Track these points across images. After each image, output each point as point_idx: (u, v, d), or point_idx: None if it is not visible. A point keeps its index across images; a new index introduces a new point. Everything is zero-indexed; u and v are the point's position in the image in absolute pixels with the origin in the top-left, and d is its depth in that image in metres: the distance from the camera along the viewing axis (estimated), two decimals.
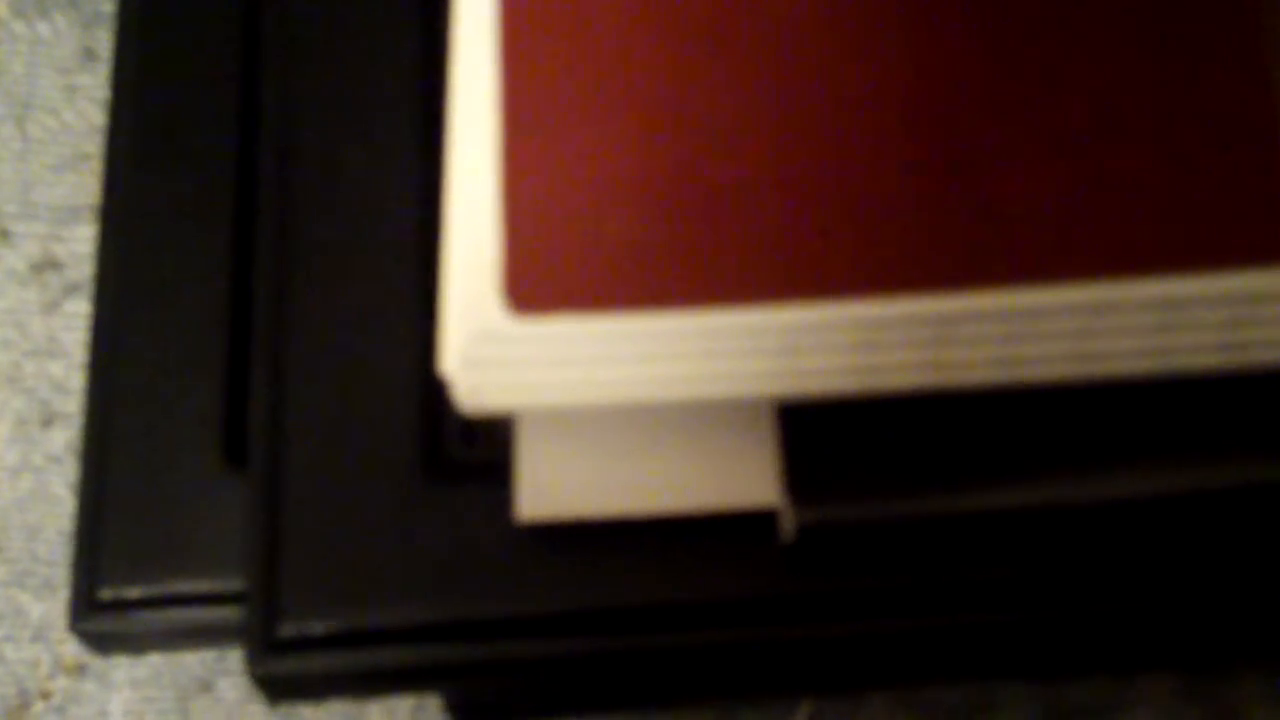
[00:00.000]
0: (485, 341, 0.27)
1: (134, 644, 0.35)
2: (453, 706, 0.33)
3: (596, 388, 0.28)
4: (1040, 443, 0.29)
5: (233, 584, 0.33)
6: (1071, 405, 0.28)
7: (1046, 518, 0.29)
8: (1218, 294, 0.27)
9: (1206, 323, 0.27)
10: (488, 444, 0.31)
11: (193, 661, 0.38)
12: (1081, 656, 0.34)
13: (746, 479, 0.29)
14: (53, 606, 0.39)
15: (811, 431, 0.29)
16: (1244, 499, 0.29)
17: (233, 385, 0.34)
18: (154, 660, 0.39)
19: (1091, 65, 0.28)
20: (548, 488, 0.29)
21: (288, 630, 0.30)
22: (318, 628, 0.30)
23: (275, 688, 0.30)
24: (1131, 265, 0.27)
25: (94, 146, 0.42)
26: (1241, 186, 0.27)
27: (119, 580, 0.33)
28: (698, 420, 0.29)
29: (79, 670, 0.39)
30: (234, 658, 0.39)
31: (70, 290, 0.41)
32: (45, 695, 0.38)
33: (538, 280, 0.27)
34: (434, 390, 0.31)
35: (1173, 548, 0.29)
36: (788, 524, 0.29)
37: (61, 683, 0.38)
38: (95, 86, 0.42)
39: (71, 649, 0.39)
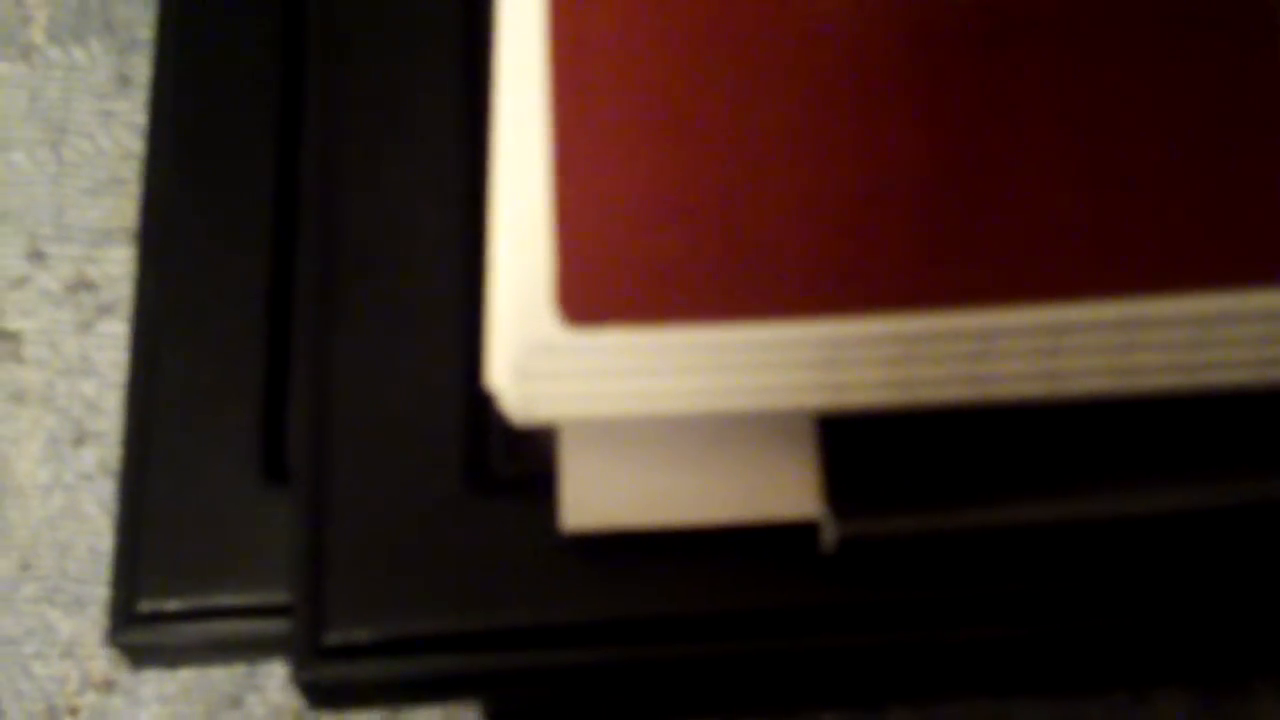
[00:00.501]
0: (539, 353, 0.28)
1: (170, 657, 0.35)
2: (492, 716, 0.33)
3: (645, 399, 0.28)
4: (1073, 458, 0.29)
5: (269, 597, 0.33)
6: (1103, 421, 0.29)
7: (1079, 531, 0.29)
8: (1252, 310, 0.28)
9: (1241, 339, 0.28)
10: (530, 458, 0.31)
11: (221, 678, 0.39)
12: (1104, 671, 0.35)
13: (788, 491, 0.30)
14: (82, 623, 0.39)
15: (852, 444, 0.29)
16: (1266, 515, 0.30)
17: (270, 403, 0.35)
18: (183, 676, 0.39)
19: (1125, 85, 0.29)
20: (591, 499, 0.30)
21: (333, 638, 0.30)
22: (363, 635, 0.30)
23: (320, 694, 0.30)
24: (1167, 282, 0.28)
25: (128, 171, 0.42)
26: (1276, 205, 0.28)
27: (157, 593, 0.34)
28: (739, 433, 0.30)
29: (107, 686, 0.39)
30: (263, 674, 0.39)
31: (104, 311, 0.41)
32: (73, 711, 0.39)
33: (590, 293, 0.28)
34: (477, 405, 0.31)
35: (1195, 563, 0.30)
36: (828, 536, 0.29)
37: (90, 699, 0.39)
38: (130, 112, 0.43)
39: (100, 665, 0.39)
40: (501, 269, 0.29)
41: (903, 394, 0.28)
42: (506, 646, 0.30)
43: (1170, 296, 0.28)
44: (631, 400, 0.28)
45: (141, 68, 0.43)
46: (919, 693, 0.35)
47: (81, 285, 0.42)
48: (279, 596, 0.33)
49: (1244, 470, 0.29)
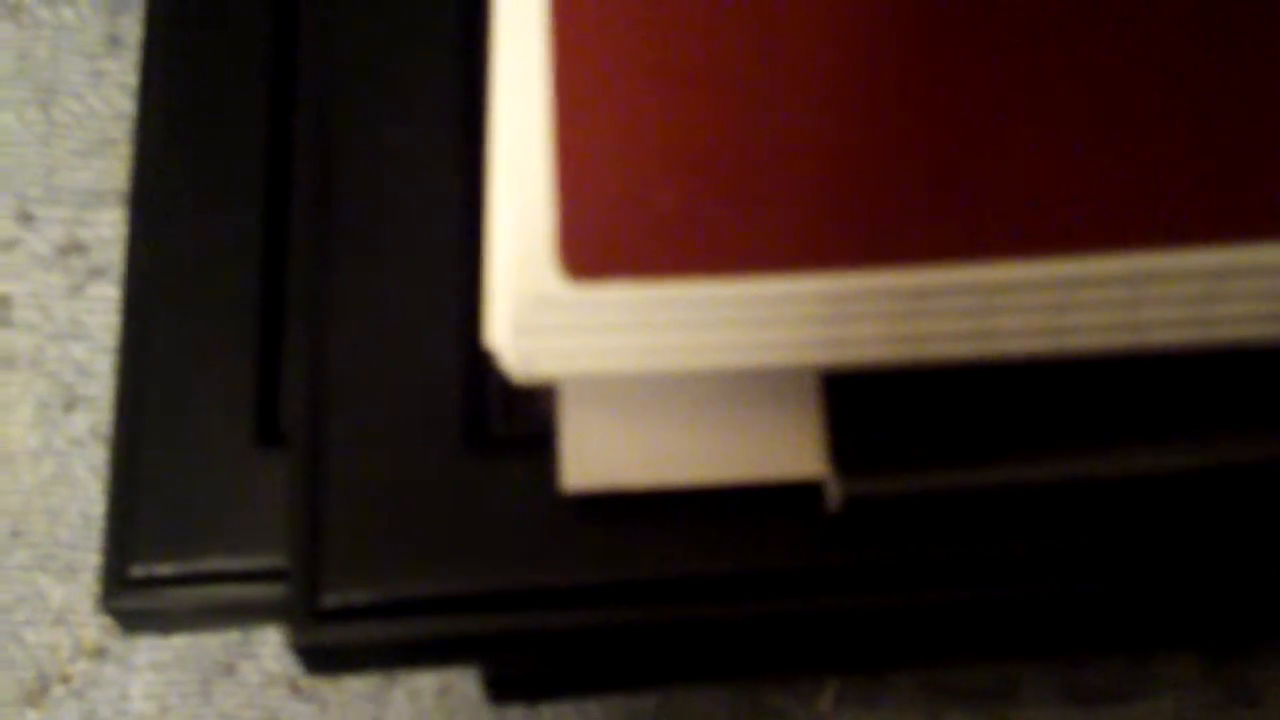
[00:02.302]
0: (540, 308, 0.27)
1: (163, 622, 0.35)
2: (491, 681, 0.33)
3: (648, 355, 0.28)
4: (1081, 416, 0.29)
5: (264, 562, 0.33)
6: (1112, 378, 0.29)
7: (1085, 490, 0.29)
8: (1265, 264, 0.27)
9: (1253, 293, 0.27)
10: (528, 419, 0.31)
11: (215, 645, 0.38)
12: (1107, 634, 0.34)
13: (792, 450, 0.29)
14: (74, 590, 0.39)
15: (857, 402, 0.29)
16: (1274, 475, 0.29)
17: (265, 365, 0.34)
18: (176, 643, 0.38)
19: (1135, 33, 0.28)
20: (592, 458, 0.29)
21: (330, 600, 0.30)
22: (361, 598, 0.30)
23: (316, 658, 0.30)
24: (1178, 235, 0.27)
25: (119, 132, 0.42)
26: None
27: (150, 558, 0.33)
28: (743, 390, 0.29)
29: (99, 653, 0.39)
30: (257, 641, 0.39)
31: (95, 274, 0.41)
32: (65, 679, 0.38)
33: (592, 247, 0.27)
34: (475, 364, 0.31)
35: (1204, 524, 0.30)
36: (833, 495, 0.29)
37: (82, 666, 0.38)
38: (120, 72, 0.42)
39: (92, 633, 0.39)
40: (501, 223, 0.28)
41: (908, 350, 0.28)
42: (506, 609, 0.30)
43: (1181, 250, 0.27)
44: (634, 356, 0.28)
45: (132, 28, 0.43)
46: (922, 655, 0.35)
47: (72, 248, 0.41)
48: (274, 560, 0.32)
49: (1253, 429, 0.29)
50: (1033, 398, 0.29)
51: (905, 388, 0.29)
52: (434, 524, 0.30)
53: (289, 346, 0.33)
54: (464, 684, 0.37)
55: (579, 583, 0.30)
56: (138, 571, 0.33)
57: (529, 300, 0.27)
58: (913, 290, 0.27)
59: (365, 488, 0.30)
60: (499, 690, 0.33)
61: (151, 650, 0.38)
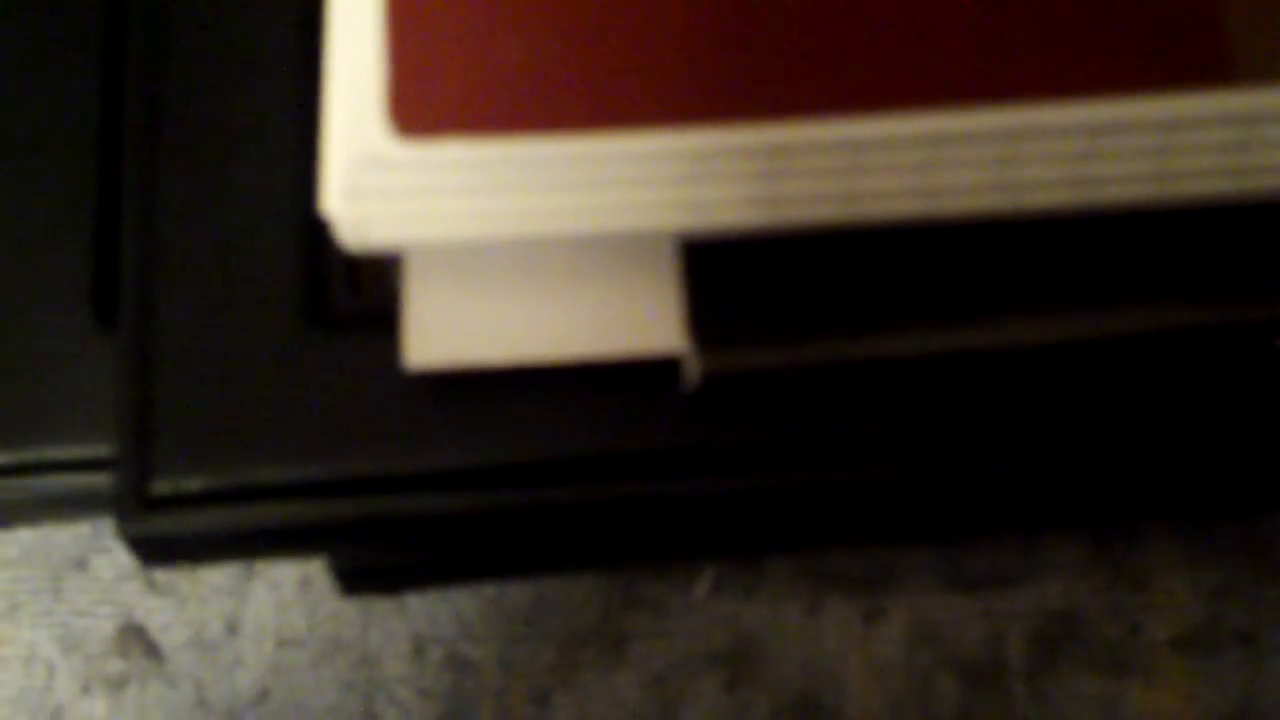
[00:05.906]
0: (369, 168, 0.25)
1: (1, 516, 0.33)
2: (340, 572, 0.31)
3: (488, 220, 0.26)
4: (956, 285, 0.27)
5: (105, 450, 0.31)
6: (988, 244, 0.27)
7: (960, 365, 0.28)
8: (1145, 119, 0.25)
9: (1136, 150, 0.26)
10: (375, 291, 0.29)
11: (64, 539, 0.37)
12: (991, 515, 0.33)
13: (648, 324, 0.27)
14: None
15: (718, 272, 0.27)
16: (1157, 347, 0.28)
17: (102, 243, 0.32)
18: (24, 538, 0.37)
19: None
20: (438, 334, 0.27)
21: (162, 487, 0.28)
22: (193, 484, 0.28)
23: (149, 549, 0.28)
24: (1055, 88, 0.25)
25: None
26: (1171, 5, 0.26)
27: None
28: (597, 261, 0.27)
29: None
30: (108, 534, 0.37)
31: None
32: None
33: (425, 101, 0.25)
34: (317, 233, 0.29)
35: (1086, 399, 0.28)
36: (692, 371, 0.27)
37: None
38: None
39: None
40: (333, 80, 0.26)
41: (770, 213, 0.26)
42: (350, 495, 0.28)
43: (1058, 104, 0.25)
44: (474, 222, 0.26)
45: None
46: (797, 540, 0.33)
47: None
48: (112, 448, 0.30)
49: (1135, 299, 0.27)
50: (903, 266, 0.27)
51: (769, 256, 0.27)
52: (273, 405, 0.28)
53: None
54: (327, 576, 0.36)
55: (428, 468, 0.28)
56: None
57: (358, 160, 0.25)
58: (776, 148, 0.26)
59: (199, 366, 0.28)
60: (350, 582, 0.32)
61: None
